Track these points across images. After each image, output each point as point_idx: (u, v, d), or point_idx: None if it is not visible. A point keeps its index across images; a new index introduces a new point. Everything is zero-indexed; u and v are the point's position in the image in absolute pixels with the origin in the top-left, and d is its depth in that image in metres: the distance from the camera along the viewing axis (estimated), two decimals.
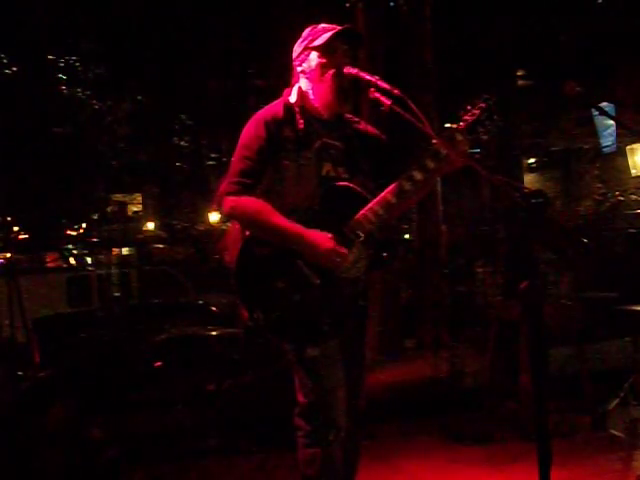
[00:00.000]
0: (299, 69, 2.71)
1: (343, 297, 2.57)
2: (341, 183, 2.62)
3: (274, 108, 2.69)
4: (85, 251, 21.06)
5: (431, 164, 2.53)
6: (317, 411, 2.58)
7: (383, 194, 2.55)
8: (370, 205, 2.56)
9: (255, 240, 2.59)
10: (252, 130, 2.65)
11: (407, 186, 2.53)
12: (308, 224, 2.56)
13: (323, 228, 2.56)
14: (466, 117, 2.56)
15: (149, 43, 16.29)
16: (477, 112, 2.55)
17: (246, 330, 2.65)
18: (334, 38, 2.62)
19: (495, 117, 2.55)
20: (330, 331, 2.56)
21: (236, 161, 2.65)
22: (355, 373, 2.74)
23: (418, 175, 2.54)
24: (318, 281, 2.54)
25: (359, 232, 2.55)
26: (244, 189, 2.60)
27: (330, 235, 2.52)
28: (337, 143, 2.68)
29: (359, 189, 2.61)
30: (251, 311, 2.56)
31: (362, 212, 2.56)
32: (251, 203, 2.58)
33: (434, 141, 2.52)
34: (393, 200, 2.54)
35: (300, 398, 2.62)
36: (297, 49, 2.72)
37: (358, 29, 3.20)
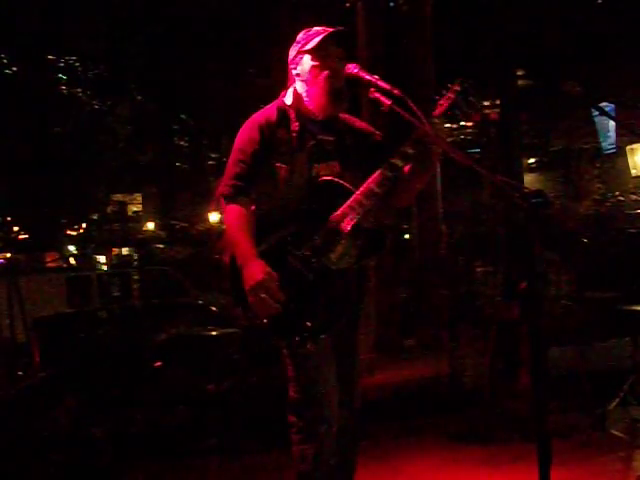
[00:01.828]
0: (294, 72, 2.75)
1: (336, 291, 2.59)
2: (325, 177, 2.65)
3: (268, 111, 2.73)
4: (88, 251, 21.09)
5: (410, 150, 2.57)
6: (307, 406, 2.59)
7: (366, 184, 2.59)
8: (354, 196, 2.59)
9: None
10: (246, 134, 2.70)
11: (388, 173, 2.57)
12: (297, 222, 2.60)
13: (311, 223, 2.59)
14: (442, 102, 2.60)
15: (149, 43, 16.30)
16: (452, 96, 2.59)
17: (242, 328, 2.65)
18: (326, 41, 2.66)
19: (471, 99, 2.57)
20: (323, 326, 2.57)
21: (231, 164, 2.69)
22: (348, 369, 2.75)
23: (399, 162, 2.58)
24: (311, 276, 2.56)
25: (345, 223, 2.58)
26: (238, 192, 2.64)
27: (268, 270, 2.50)
28: (329, 138, 2.72)
29: (342, 182, 2.64)
30: (245, 309, 2.57)
31: (347, 204, 2.59)
32: (233, 213, 2.63)
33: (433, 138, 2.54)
34: (376, 189, 2.58)
35: (292, 394, 2.64)
36: (292, 52, 2.76)
37: (357, 29, 3.22)
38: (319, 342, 2.56)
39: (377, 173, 2.57)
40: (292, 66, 2.75)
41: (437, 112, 2.60)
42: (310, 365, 2.58)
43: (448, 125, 2.64)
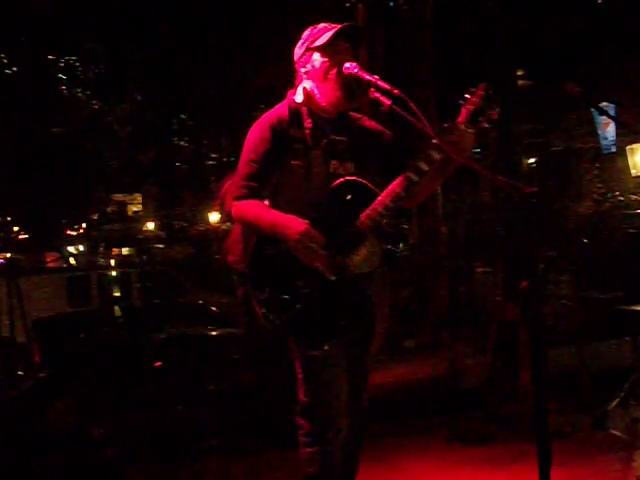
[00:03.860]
0: (303, 70, 2.71)
1: (358, 293, 2.57)
2: (349, 177, 2.63)
3: (279, 110, 2.70)
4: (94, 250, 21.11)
5: (436, 155, 2.53)
6: (317, 410, 2.57)
7: (391, 187, 2.55)
8: (380, 198, 2.56)
9: (266, 238, 2.57)
10: (257, 133, 2.66)
11: (414, 177, 2.54)
12: (319, 222, 2.55)
13: (334, 224, 2.56)
14: (467, 107, 2.55)
15: (149, 43, 16.30)
16: (477, 100, 2.54)
17: (257, 330, 2.57)
18: (336, 37, 2.62)
19: (494, 105, 2.54)
20: (345, 328, 2.56)
21: (242, 165, 2.66)
22: (359, 373, 2.73)
23: (424, 166, 2.54)
24: (334, 277, 2.53)
25: (372, 225, 2.55)
26: (251, 193, 2.61)
27: (306, 221, 2.50)
28: (343, 139, 2.69)
29: (366, 182, 2.62)
30: (266, 310, 2.54)
31: (372, 206, 2.56)
32: (246, 205, 2.61)
33: (434, 140, 2.51)
34: (402, 192, 2.54)
35: (301, 397, 2.62)
36: (298, 51, 2.72)
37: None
38: (331, 347, 2.54)
39: (402, 176, 2.54)
40: (299, 64, 2.72)
41: (462, 118, 2.54)
42: (322, 369, 2.56)
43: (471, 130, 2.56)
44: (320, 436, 2.55)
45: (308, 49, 2.68)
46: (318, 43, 2.65)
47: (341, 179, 2.62)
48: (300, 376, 2.61)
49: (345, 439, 2.64)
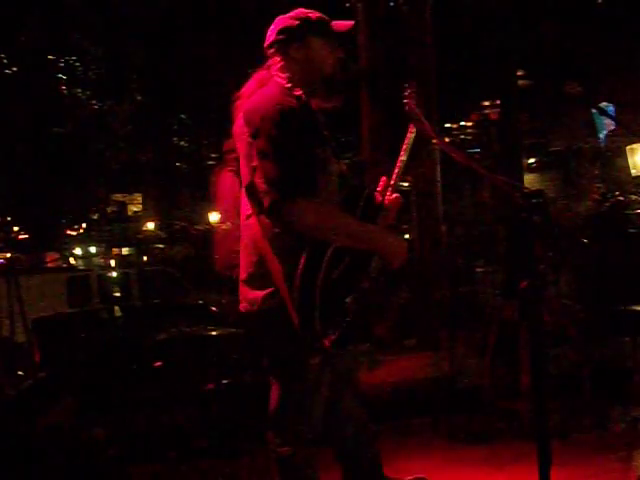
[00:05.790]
0: (294, 48, 2.48)
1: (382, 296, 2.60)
2: (375, 189, 2.62)
3: (288, 100, 2.37)
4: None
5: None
6: (310, 412, 2.48)
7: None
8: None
9: (333, 257, 2.29)
10: (288, 123, 2.29)
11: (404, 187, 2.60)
12: None
13: None
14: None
15: (149, 43, 16.31)
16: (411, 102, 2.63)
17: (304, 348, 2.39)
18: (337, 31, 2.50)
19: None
20: (368, 331, 2.57)
21: (285, 159, 2.25)
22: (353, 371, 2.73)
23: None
24: (375, 275, 2.46)
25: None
26: (312, 190, 2.28)
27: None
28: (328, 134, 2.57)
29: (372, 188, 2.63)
30: (325, 329, 2.28)
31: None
32: (320, 206, 2.30)
33: (434, 139, 2.55)
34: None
35: (290, 404, 2.45)
36: (288, 31, 2.49)
37: (357, 29, 3.18)
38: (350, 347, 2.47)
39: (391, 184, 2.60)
40: (293, 48, 2.47)
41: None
42: (329, 376, 2.44)
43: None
44: (296, 438, 2.43)
45: (309, 33, 2.46)
46: (326, 30, 2.47)
47: (367, 189, 2.58)
48: (303, 386, 2.42)
49: (359, 432, 2.62)
